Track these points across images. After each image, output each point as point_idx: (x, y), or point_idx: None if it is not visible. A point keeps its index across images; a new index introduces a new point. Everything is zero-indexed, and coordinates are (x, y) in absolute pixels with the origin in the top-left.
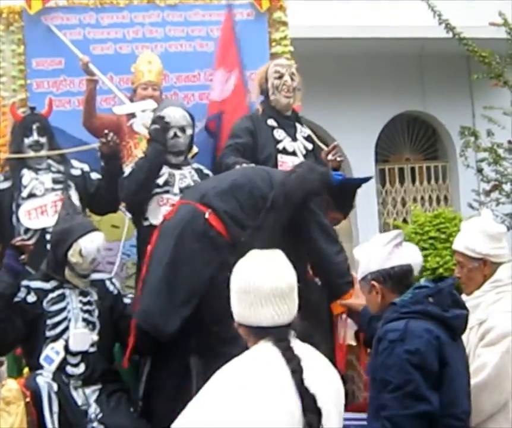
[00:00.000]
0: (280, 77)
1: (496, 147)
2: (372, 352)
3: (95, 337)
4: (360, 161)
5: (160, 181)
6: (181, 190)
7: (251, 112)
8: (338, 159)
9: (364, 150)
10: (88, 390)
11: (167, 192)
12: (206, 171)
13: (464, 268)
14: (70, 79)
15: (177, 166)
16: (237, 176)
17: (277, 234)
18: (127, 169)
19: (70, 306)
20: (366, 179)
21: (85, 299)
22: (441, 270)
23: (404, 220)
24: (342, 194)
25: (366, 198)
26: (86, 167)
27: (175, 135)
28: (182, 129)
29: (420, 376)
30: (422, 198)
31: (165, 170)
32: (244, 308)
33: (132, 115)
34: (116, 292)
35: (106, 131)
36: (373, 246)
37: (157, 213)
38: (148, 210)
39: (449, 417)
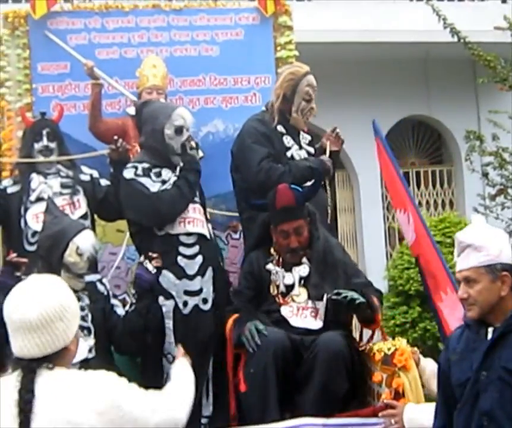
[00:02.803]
0: (309, 101)
1: (502, 151)
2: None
3: (91, 342)
4: (365, 166)
5: (168, 186)
6: None
7: (259, 114)
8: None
9: (369, 154)
10: None
11: None
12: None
13: None
14: (75, 83)
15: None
16: None
17: None
18: (155, 185)
19: None
20: None
21: None
22: None
23: None
24: None
25: (371, 203)
26: (95, 173)
27: (188, 138)
28: (188, 130)
29: None
30: (427, 202)
31: (168, 175)
32: (10, 335)
33: None
34: (106, 292)
35: (116, 137)
36: (503, 239)
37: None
38: None
39: None
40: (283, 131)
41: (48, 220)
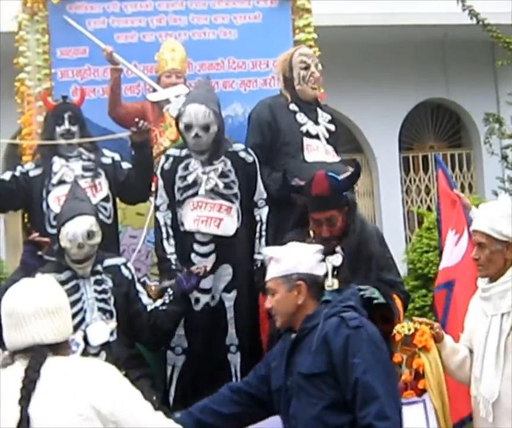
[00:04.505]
0: (307, 68)
1: None
2: (303, 351)
3: (113, 325)
4: (384, 149)
5: (190, 178)
6: (206, 191)
7: (271, 97)
8: None
9: (388, 138)
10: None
11: (196, 194)
12: (242, 154)
13: (485, 250)
14: (94, 68)
15: (207, 161)
16: None
17: None
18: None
19: (85, 296)
20: None
21: (99, 288)
22: None
23: (428, 208)
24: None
25: (390, 187)
26: (117, 157)
27: (196, 135)
28: (205, 128)
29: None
30: None
31: (195, 166)
32: (8, 331)
33: (165, 101)
34: (130, 277)
35: (137, 120)
36: (301, 251)
37: (189, 219)
38: (182, 215)
39: None
40: (296, 109)
41: (63, 202)
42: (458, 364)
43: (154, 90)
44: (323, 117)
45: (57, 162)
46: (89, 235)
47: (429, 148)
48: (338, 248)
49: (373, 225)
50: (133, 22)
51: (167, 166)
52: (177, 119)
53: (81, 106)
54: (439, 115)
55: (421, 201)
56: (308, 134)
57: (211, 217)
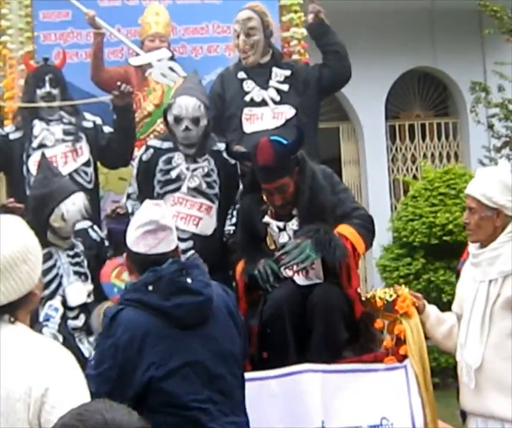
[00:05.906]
0: (238, 36)
1: (508, 102)
2: None
3: (90, 287)
4: (370, 117)
5: (173, 173)
6: (189, 189)
7: (224, 69)
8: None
9: (374, 107)
10: (92, 340)
11: (177, 189)
12: (225, 155)
13: (475, 215)
14: (77, 31)
15: (192, 158)
16: None
17: None
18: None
19: (59, 262)
20: None
21: (72, 252)
22: (450, 226)
23: (414, 177)
24: None
25: (376, 155)
26: (98, 120)
27: (186, 128)
28: (195, 121)
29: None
30: (432, 154)
31: (179, 161)
32: None
33: (148, 65)
34: (99, 239)
35: (119, 83)
36: (131, 224)
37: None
38: None
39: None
40: (244, 76)
41: (38, 179)
42: (445, 334)
43: (137, 55)
44: (277, 77)
45: (38, 125)
46: (83, 213)
47: (415, 117)
48: (294, 211)
49: (320, 167)
50: None
51: (145, 157)
52: (165, 112)
53: (63, 68)
54: (426, 83)
55: (407, 170)
56: (253, 102)
57: (191, 215)
